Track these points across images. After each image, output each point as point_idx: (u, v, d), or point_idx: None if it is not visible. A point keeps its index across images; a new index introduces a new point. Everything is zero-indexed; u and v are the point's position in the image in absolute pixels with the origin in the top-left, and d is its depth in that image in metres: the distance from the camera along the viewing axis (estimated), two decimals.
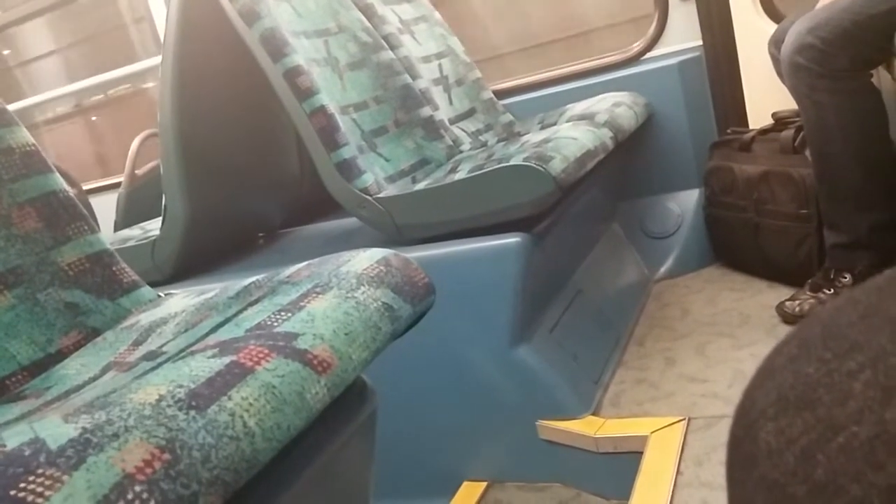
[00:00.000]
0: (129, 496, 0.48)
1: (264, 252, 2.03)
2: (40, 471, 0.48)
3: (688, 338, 1.69)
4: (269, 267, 0.92)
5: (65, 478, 0.48)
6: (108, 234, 1.58)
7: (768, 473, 0.27)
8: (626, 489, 1.23)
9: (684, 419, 1.35)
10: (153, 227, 2.04)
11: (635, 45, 2.23)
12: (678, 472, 1.21)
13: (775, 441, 0.27)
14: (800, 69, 1.47)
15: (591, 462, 1.40)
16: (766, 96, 1.96)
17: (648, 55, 2.21)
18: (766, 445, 0.28)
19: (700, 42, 2.13)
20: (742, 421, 0.31)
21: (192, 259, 1.88)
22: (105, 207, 2.77)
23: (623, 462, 1.34)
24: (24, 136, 1.04)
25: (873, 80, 1.50)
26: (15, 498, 0.46)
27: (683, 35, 2.16)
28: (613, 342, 1.72)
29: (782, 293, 1.69)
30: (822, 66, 1.45)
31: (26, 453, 0.50)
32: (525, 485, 1.50)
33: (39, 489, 0.47)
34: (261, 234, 2.21)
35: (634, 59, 2.23)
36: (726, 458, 0.32)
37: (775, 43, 1.70)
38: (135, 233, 2.11)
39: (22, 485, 0.47)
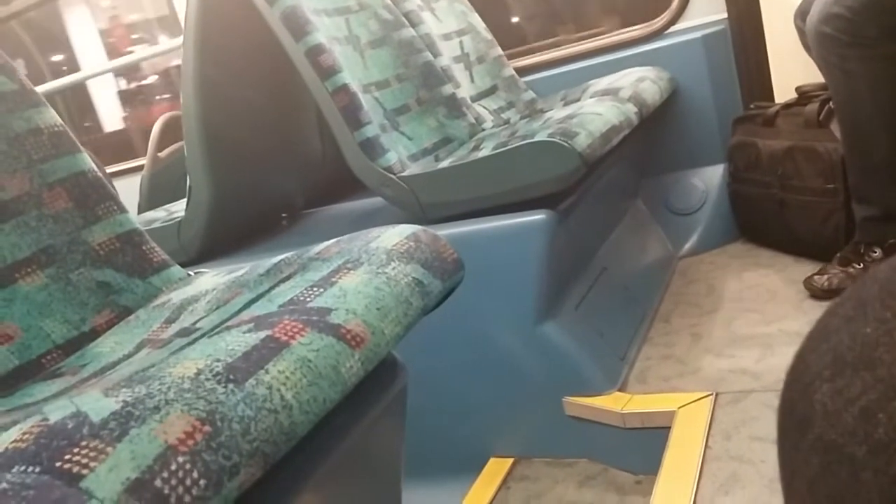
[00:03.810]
0: (173, 467, 0.49)
1: (288, 233, 2.04)
2: (84, 443, 0.49)
3: (714, 314, 1.68)
4: (293, 247, 0.92)
5: (109, 449, 0.49)
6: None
7: (825, 434, 0.27)
8: (653, 464, 1.22)
9: (712, 394, 1.34)
10: (177, 209, 2.05)
11: (659, 18, 2.20)
12: (707, 446, 1.20)
13: (832, 402, 0.27)
14: (827, 39, 1.45)
15: (619, 438, 1.40)
16: (792, 70, 1.93)
17: (672, 29, 2.18)
18: (822, 407, 0.27)
19: (725, 15, 2.10)
20: (795, 384, 0.30)
21: (216, 240, 1.89)
22: (128, 191, 2.79)
23: (651, 437, 1.33)
24: (52, 116, 1.04)
25: None
26: (61, 469, 0.47)
27: (708, 8, 2.13)
28: (639, 318, 1.72)
29: (809, 268, 1.67)
30: (850, 36, 1.42)
31: (70, 426, 0.51)
32: (552, 460, 1.51)
33: (84, 460, 0.48)
34: (284, 215, 2.22)
35: (658, 34, 2.20)
36: (777, 423, 0.31)
37: (801, 15, 1.67)
38: (159, 215, 2.13)
39: (67, 456, 0.48)
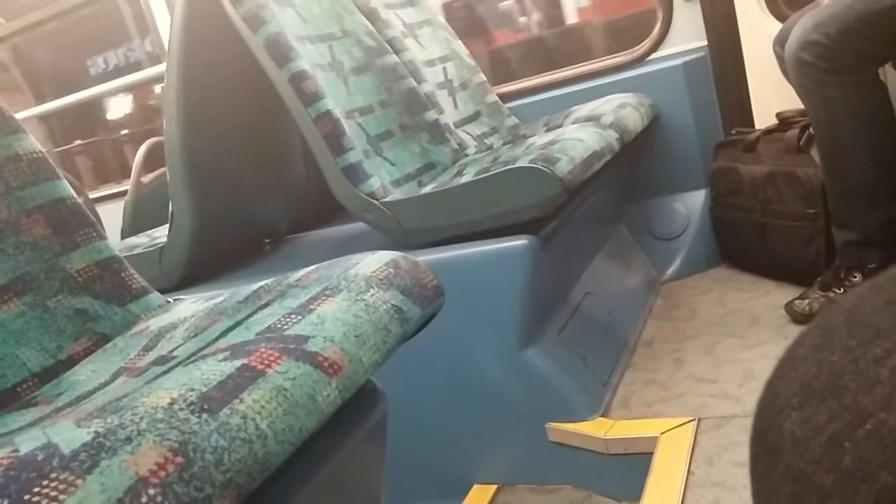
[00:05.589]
0: (143, 499, 0.48)
1: (271, 258, 2.03)
2: (54, 475, 0.48)
3: (696, 338, 1.68)
4: (276, 273, 0.92)
5: (78, 482, 0.48)
6: (115, 242, 1.58)
7: (794, 463, 0.27)
8: (637, 490, 1.22)
9: (694, 419, 1.34)
10: (160, 234, 2.04)
11: (640, 46, 2.23)
12: (689, 472, 1.20)
13: (800, 431, 0.27)
14: (806, 66, 1.47)
15: (602, 464, 1.40)
16: (771, 96, 1.96)
17: (653, 56, 2.21)
18: (790, 435, 0.27)
19: (705, 42, 2.13)
20: (765, 412, 0.30)
21: (199, 266, 1.88)
22: (111, 216, 2.78)
23: (634, 463, 1.33)
24: (32, 143, 1.04)
25: (879, 75, 1.50)
26: (30, 502, 0.46)
27: (688, 35, 2.15)
28: (622, 344, 1.72)
29: (790, 293, 1.68)
30: (828, 63, 1.44)
31: (39, 458, 0.50)
32: (535, 487, 1.50)
33: (53, 493, 0.47)
34: (267, 241, 2.21)
35: (639, 60, 2.22)
36: (749, 452, 0.31)
37: (780, 42, 1.69)
38: (142, 240, 2.12)
39: (36, 489, 0.47)
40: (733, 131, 2.02)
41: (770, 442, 0.29)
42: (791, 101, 1.68)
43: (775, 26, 1.86)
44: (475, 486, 1.55)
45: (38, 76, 6.27)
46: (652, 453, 1.29)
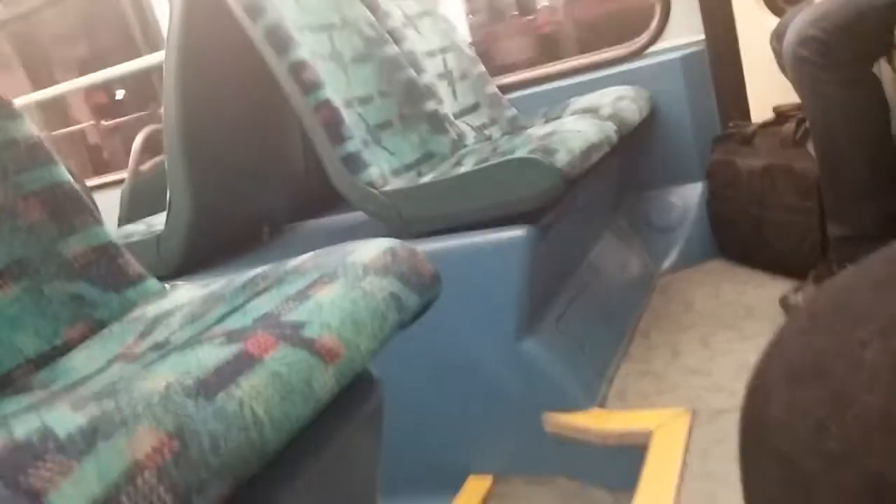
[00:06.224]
0: (139, 482, 0.48)
1: (269, 246, 2.03)
2: (49, 458, 0.48)
3: (692, 330, 1.69)
4: (273, 261, 0.92)
5: (74, 465, 0.48)
6: (111, 230, 1.57)
7: (781, 447, 0.27)
8: (632, 482, 1.22)
9: (689, 411, 1.35)
10: (158, 222, 2.04)
11: (638, 39, 2.23)
12: (684, 464, 1.20)
13: (787, 414, 0.27)
14: (802, 61, 1.47)
15: (597, 455, 1.40)
16: (768, 90, 1.96)
17: (651, 49, 2.21)
18: (777, 420, 0.27)
19: (702, 36, 2.13)
20: (753, 396, 0.30)
21: (197, 253, 1.88)
22: (108, 204, 2.77)
23: (629, 454, 1.33)
24: (29, 127, 1.03)
25: (874, 71, 1.50)
26: (25, 483, 0.46)
27: (686, 29, 2.16)
28: (619, 335, 1.72)
29: (786, 286, 1.69)
30: (824, 58, 1.44)
31: (35, 441, 0.50)
32: (531, 478, 1.50)
33: (49, 475, 0.47)
34: (266, 229, 2.21)
35: (637, 54, 2.22)
36: (739, 436, 0.31)
37: (777, 36, 1.69)
38: (139, 228, 2.11)
39: (31, 471, 0.47)
40: (730, 125, 2.02)
41: (758, 426, 0.29)
42: (788, 94, 1.68)
43: (772, 21, 1.86)
44: (471, 477, 1.55)
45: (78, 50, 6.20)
46: (647, 445, 1.29)
